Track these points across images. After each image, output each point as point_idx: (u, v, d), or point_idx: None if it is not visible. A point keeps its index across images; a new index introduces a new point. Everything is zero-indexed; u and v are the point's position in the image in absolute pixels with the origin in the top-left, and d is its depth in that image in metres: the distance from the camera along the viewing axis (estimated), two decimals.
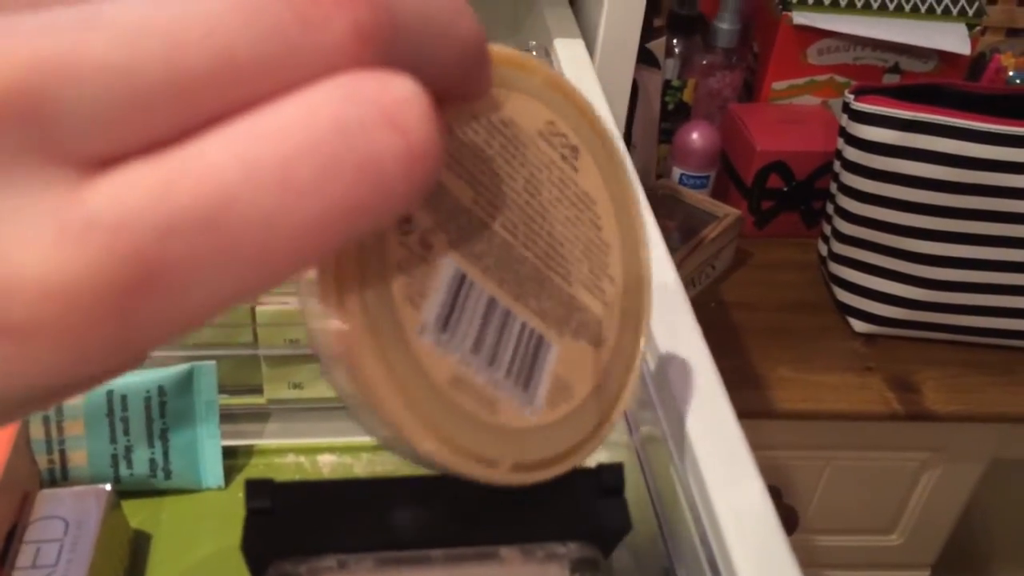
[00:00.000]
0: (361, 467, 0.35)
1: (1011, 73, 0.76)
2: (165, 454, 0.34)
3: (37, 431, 0.33)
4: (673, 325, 0.30)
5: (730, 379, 0.28)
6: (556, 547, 0.22)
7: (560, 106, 0.18)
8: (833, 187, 0.67)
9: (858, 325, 0.68)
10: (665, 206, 0.72)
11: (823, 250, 0.71)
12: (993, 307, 0.65)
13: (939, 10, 0.74)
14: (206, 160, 0.09)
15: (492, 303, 0.16)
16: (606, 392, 0.19)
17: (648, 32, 0.69)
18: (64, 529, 0.29)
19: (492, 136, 0.16)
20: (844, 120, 0.64)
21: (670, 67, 0.75)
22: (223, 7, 0.09)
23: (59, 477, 0.33)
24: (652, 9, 0.70)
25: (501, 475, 0.16)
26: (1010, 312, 0.65)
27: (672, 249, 0.66)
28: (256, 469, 0.35)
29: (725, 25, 0.75)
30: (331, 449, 0.36)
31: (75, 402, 0.33)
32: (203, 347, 0.35)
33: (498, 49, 0.16)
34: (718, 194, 0.76)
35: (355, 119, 0.10)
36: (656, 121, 0.75)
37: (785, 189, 0.75)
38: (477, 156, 0.16)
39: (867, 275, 0.66)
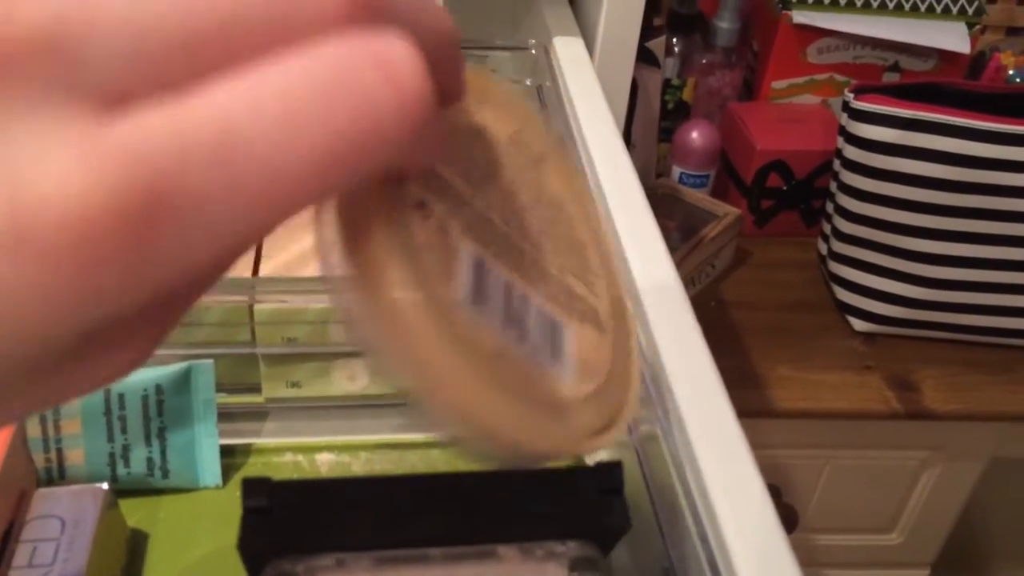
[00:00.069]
0: (360, 466, 0.35)
1: (1011, 72, 0.76)
2: (163, 453, 0.33)
3: (34, 429, 0.33)
4: (673, 324, 0.30)
5: (730, 378, 0.28)
6: (555, 546, 0.22)
7: (523, 118, 0.19)
8: (833, 186, 0.67)
9: (858, 324, 0.68)
10: (665, 205, 0.72)
11: (823, 249, 0.71)
12: (993, 306, 0.65)
13: (939, 9, 0.74)
14: (216, 99, 0.10)
15: (509, 286, 0.16)
16: (618, 375, 0.19)
17: (648, 31, 0.69)
18: (61, 528, 0.29)
19: (474, 140, 0.17)
20: (844, 119, 0.64)
21: (670, 66, 0.75)
22: None
23: (56, 476, 0.33)
24: (652, 8, 0.69)
25: (565, 443, 0.16)
26: (1010, 311, 0.65)
27: (672, 248, 0.66)
28: (254, 468, 0.35)
29: (725, 24, 0.75)
30: (329, 448, 0.36)
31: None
32: (201, 346, 0.34)
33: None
34: (718, 193, 0.76)
35: (352, 66, 0.10)
36: (656, 120, 0.75)
37: (785, 188, 0.75)
38: (466, 156, 0.16)
39: (867, 274, 0.66)
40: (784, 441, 0.67)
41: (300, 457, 0.36)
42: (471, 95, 0.16)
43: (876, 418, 0.64)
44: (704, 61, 0.77)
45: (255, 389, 0.36)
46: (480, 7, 0.54)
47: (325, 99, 0.10)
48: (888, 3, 0.74)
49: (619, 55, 0.52)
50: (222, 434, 0.34)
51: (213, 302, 0.34)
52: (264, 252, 0.37)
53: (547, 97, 0.49)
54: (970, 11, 0.74)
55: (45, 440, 0.33)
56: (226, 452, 0.34)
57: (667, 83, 0.76)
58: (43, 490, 0.31)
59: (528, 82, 0.54)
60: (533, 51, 0.53)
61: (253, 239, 0.11)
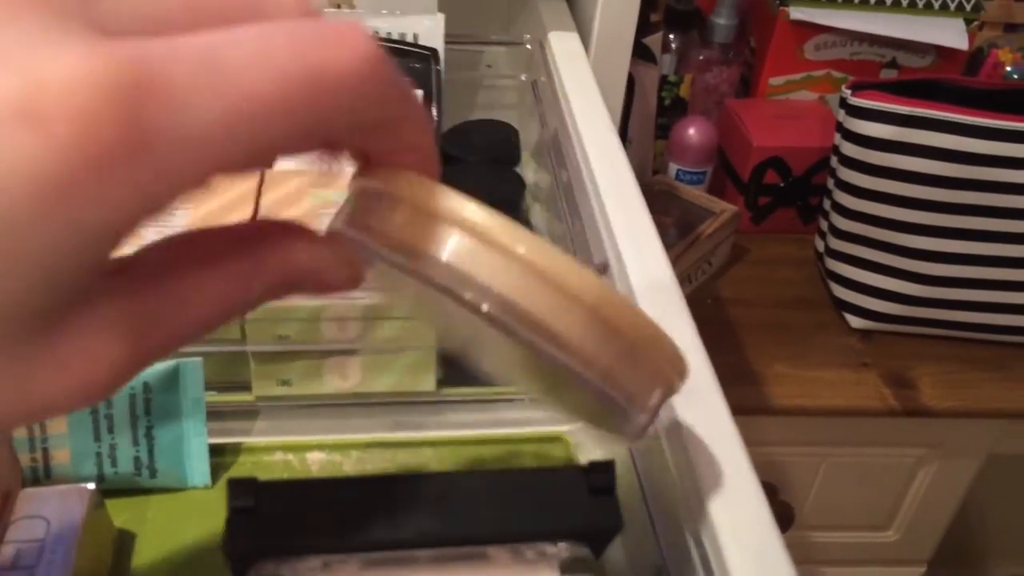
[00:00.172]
0: (351, 465, 0.35)
1: (1008, 68, 0.76)
2: (150, 452, 0.33)
3: (19, 429, 0.32)
4: (668, 321, 0.29)
5: (726, 375, 0.28)
6: (546, 547, 0.22)
7: None
8: (830, 183, 0.67)
9: (854, 321, 0.68)
10: (661, 202, 0.72)
11: (820, 246, 0.70)
12: (990, 303, 0.65)
13: (937, 5, 0.74)
14: (201, 36, 0.12)
15: None
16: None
17: (645, 27, 0.68)
18: (46, 529, 0.29)
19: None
20: (841, 115, 0.63)
21: (667, 62, 0.75)
22: None
23: (42, 476, 0.33)
24: (649, 4, 0.69)
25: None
26: (1006, 308, 0.65)
27: (668, 245, 0.66)
28: (244, 467, 0.34)
29: (722, 20, 0.75)
30: (320, 447, 0.35)
31: None
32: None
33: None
34: (715, 190, 0.76)
35: (314, 25, 0.13)
36: (652, 116, 0.75)
37: (782, 185, 0.74)
38: None
39: (863, 271, 0.66)
40: (780, 438, 0.67)
41: (291, 456, 0.35)
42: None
43: (873, 415, 0.63)
44: (701, 57, 0.76)
45: (245, 387, 0.36)
46: (475, 2, 0.54)
47: (291, 39, 0.13)
48: None
49: (615, 50, 0.52)
50: (211, 433, 0.33)
51: None
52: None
53: (542, 92, 0.49)
54: (968, 7, 0.74)
55: (31, 439, 0.32)
56: (215, 451, 0.34)
57: (664, 79, 0.75)
58: (28, 490, 0.30)
59: (523, 77, 0.53)
60: (528, 46, 0.52)
61: (232, 157, 0.13)
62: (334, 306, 0.34)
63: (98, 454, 0.33)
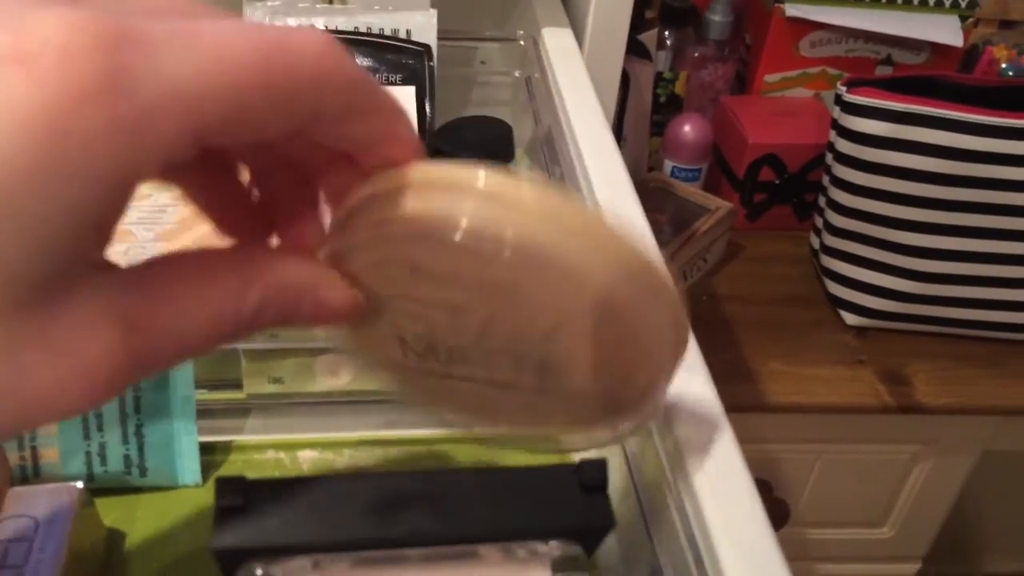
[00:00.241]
0: (343, 463, 0.34)
1: (1003, 65, 0.76)
2: (140, 450, 0.33)
3: None
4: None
5: (722, 372, 0.28)
6: (538, 545, 0.22)
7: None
8: (825, 180, 0.67)
9: (849, 318, 0.68)
10: (656, 199, 0.72)
11: (815, 243, 0.70)
12: (985, 300, 0.65)
13: (932, 2, 0.74)
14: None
15: None
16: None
17: (640, 24, 0.68)
18: (34, 528, 0.29)
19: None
20: (836, 112, 0.63)
21: (662, 59, 0.75)
22: None
23: (31, 474, 0.32)
24: (644, 1, 0.69)
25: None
26: (1001, 305, 0.65)
27: (663, 242, 0.66)
28: (234, 466, 0.34)
29: (717, 17, 0.74)
30: (312, 445, 0.35)
31: None
32: None
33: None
34: (710, 187, 0.76)
35: (279, 25, 0.16)
36: (648, 113, 0.74)
37: (777, 182, 0.74)
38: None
39: (859, 268, 0.66)
40: (776, 435, 0.67)
41: (282, 454, 0.35)
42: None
43: (868, 412, 0.63)
44: (696, 54, 0.76)
45: (236, 385, 0.36)
46: None
47: (260, 27, 0.14)
48: None
49: (609, 46, 0.52)
50: (202, 431, 0.33)
51: None
52: None
53: (536, 89, 0.48)
54: (963, 4, 0.74)
55: (20, 438, 0.32)
56: (206, 449, 0.34)
57: (659, 76, 0.75)
58: (17, 489, 0.30)
59: (517, 74, 0.53)
60: (522, 42, 0.52)
61: (209, 113, 0.13)
62: None
63: (87, 452, 0.33)
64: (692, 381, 0.27)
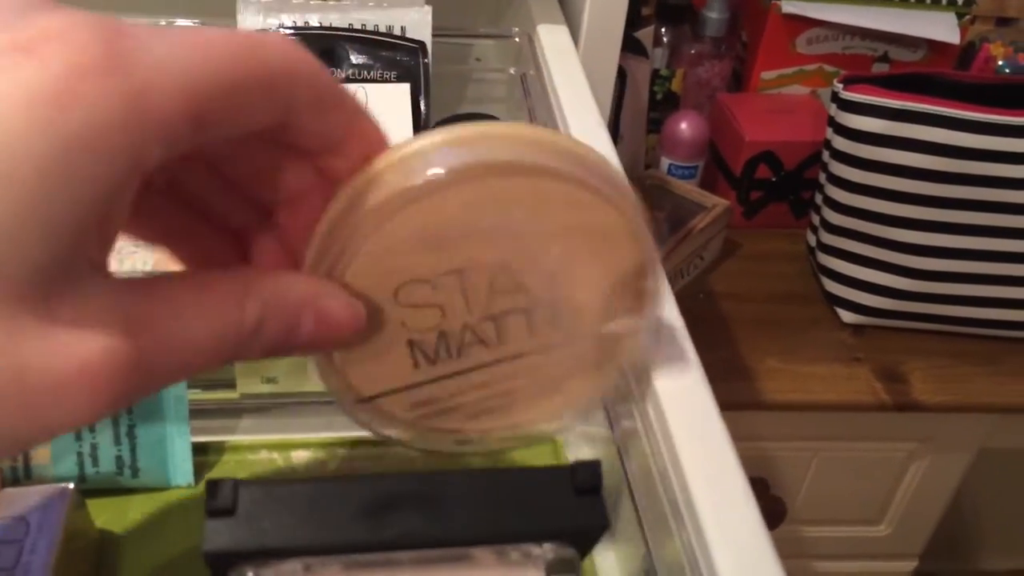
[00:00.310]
0: (336, 463, 0.34)
1: (1000, 62, 0.76)
2: (132, 451, 0.33)
3: None
4: (656, 316, 0.29)
5: (718, 370, 0.27)
6: (531, 548, 0.22)
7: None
8: (822, 177, 0.67)
9: (846, 316, 0.68)
10: (653, 196, 0.72)
11: (812, 241, 0.70)
12: (982, 297, 0.65)
13: None
14: None
15: None
16: None
17: (636, 21, 0.68)
18: (25, 530, 0.28)
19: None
20: (833, 109, 0.63)
21: (658, 56, 0.74)
22: None
23: (22, 476, 0.32)
24: None
25: None
26: (998, 302, 0.65)
27: (660, 240, 0.66)
28: (228, 466, 0.34)
29: (714, 14, 0.74)
30: (305, 445, 0.35)
31: None
32: None
33: None
34: (706, 184, 0.76)
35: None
36: (644, 111, 0.74)
37: (774, 179, 0.74)
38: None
39: (855, 265, 0.66)
40: (772, 433, 0.67)
41: (275, 455, 0.35)
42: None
43: (865, 410, 0.63)
44: (693, 52, 0.76)
45: (229, 385, 0.36)
46: None
47: (230, 30, 0.16)
48: None
49: (605, 43, 0.51)
50: (195, 431, 0.33)
51: None
52: None
53: (531, 86, 0.48)
54: (960, 1, 0.73)
55: None
56: (199, 450, 0.34)
57: (656, 74, 0.75)
58: (8, 490, 0.30)
59: (512, 71, 0.53)
60: (517, 39, 0.52)
61: (201, 92, 0.14)
62: None
63: (79, 453, 0.32)
64: (686, 380, 0.27)
